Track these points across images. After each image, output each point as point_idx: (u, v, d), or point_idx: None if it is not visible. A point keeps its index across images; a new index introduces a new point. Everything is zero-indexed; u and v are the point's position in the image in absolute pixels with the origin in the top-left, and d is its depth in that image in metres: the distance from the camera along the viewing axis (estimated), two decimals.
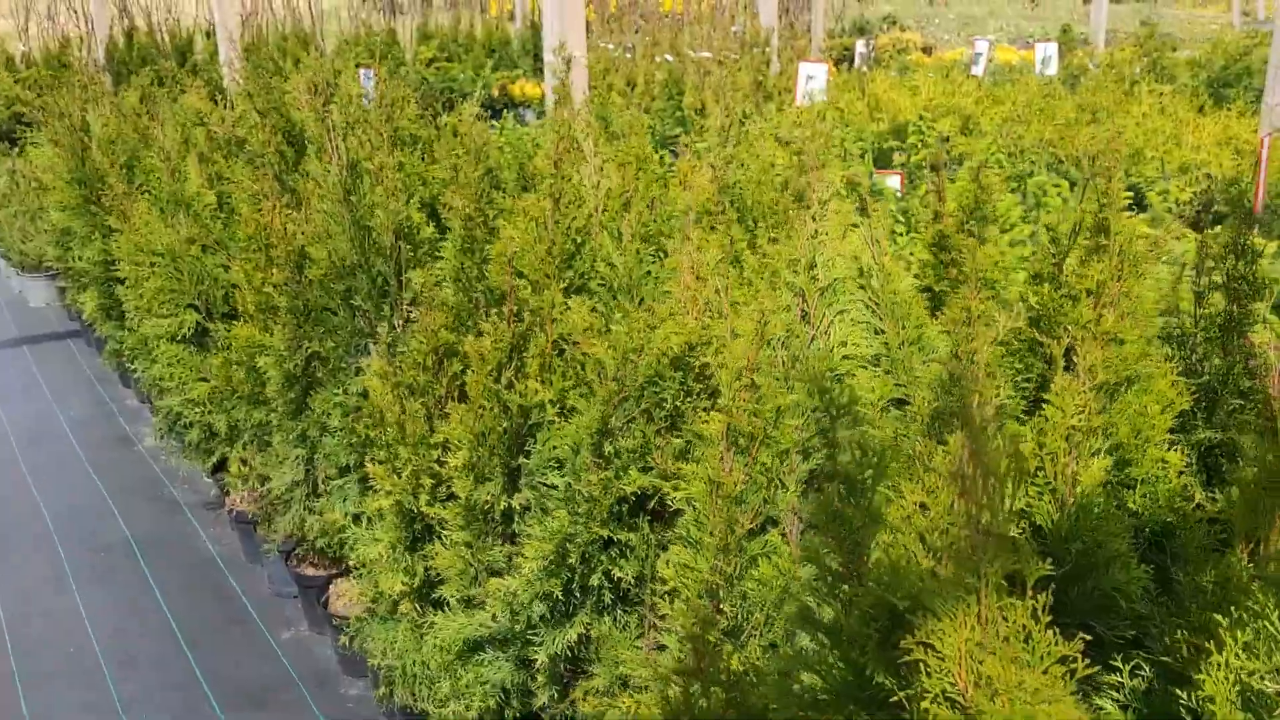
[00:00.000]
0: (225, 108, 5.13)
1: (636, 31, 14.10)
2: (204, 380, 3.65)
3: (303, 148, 4.27)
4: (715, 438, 1.60)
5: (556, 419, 2.13)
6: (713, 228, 2.93)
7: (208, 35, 14.92)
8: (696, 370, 1.74)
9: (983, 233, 2.92)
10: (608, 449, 1.78)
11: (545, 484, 2.15)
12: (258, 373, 3.02)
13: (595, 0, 21.02)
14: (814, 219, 2.25)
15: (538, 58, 17.52)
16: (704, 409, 1.81)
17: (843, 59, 13.55)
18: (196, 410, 3.66)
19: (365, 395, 2.75)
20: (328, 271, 2.68)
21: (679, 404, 1.74)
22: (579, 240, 2.57)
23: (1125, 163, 6.81)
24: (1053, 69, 11.35)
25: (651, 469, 1.76)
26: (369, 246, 2.66)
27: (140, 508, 4.22)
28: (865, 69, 11.15)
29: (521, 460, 2.16)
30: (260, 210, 3.17)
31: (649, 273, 2.72)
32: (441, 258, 2.87)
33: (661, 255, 2.68)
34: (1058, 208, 4.79)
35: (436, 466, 2.31)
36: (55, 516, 4.14)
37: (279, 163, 3.52)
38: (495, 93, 15.83)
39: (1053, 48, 11.74)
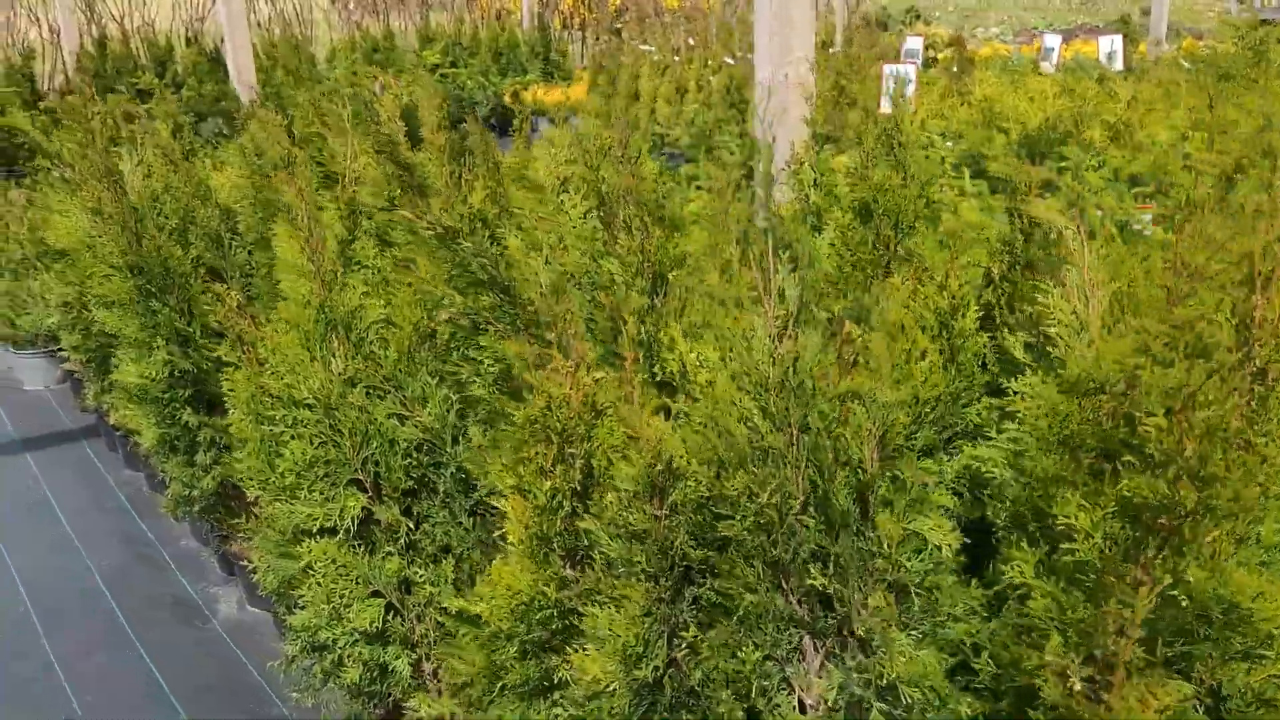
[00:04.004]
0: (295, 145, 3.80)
1: (663, 30, 12.78)
2: (377, 595, 2.34)
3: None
4: None
5: None
6: None
7: (188, 43, 13.46)
8: None
9: None
10: None
11: None
12: (536, 654, 1.73)
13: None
14: None
15: (548, 60, 16.22)
16: None
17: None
18: (361, 644, 2.36)
19: None
20: (751, 527, 1.39)
21: None
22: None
23: None
24: (1118, 64, 10.30)
25: None
26: (827, 471, 1.38)
27: None
28: (956, 69, 9.95)
29: None
30: (522, 365, 1.87)
31: None
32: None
33: None
34: None
35: None
36: None
37: (499, 265, 2.22)
38: (508, 99, 14.57)
39: (1119, 40, 10.64)
